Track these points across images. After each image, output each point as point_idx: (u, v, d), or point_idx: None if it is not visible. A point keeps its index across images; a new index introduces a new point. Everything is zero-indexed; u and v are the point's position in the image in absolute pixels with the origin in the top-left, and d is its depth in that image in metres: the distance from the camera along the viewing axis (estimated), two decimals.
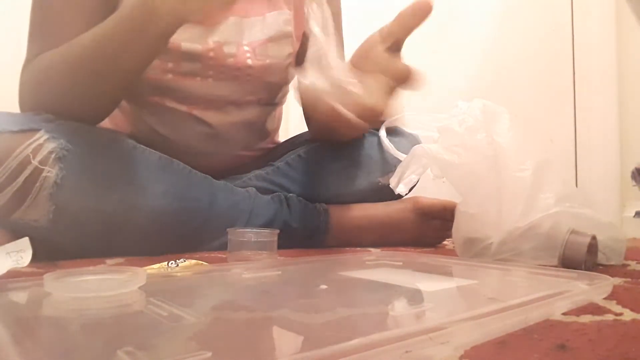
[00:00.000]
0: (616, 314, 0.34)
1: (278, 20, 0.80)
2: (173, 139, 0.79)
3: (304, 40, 0.86)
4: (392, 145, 0.80)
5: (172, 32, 0.60)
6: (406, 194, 0.67)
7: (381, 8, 1.61)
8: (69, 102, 0.63)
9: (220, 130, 0.81)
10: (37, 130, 0.58)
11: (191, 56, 0.74)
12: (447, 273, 0.52)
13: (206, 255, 0.65)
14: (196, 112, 0.78)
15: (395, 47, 0.61)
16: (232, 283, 0.46)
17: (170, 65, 0.73)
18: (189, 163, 0.73)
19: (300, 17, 0.84)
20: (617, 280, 0.47)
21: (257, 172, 0.84)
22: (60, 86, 0.63)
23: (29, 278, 0.40)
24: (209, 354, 0.22)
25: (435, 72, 1.57)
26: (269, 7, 0.79)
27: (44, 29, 0.67)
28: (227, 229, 0.62)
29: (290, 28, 0.81)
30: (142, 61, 0.64)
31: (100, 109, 0.67)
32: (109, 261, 0.60)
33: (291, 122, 1.30)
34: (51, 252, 0.58)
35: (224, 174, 0.81)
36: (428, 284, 0.46)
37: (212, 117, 0.79)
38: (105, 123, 0.82)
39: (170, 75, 0.74)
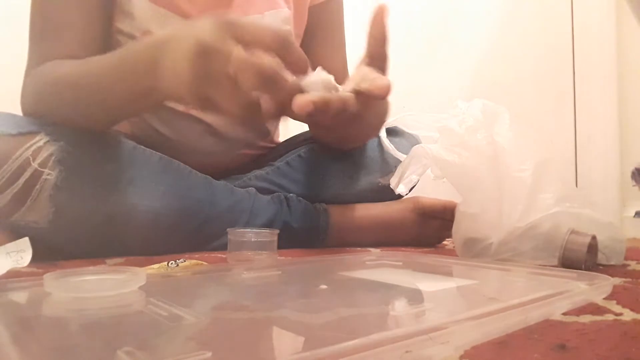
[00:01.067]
0: (616, 314, 0.34)
1: (277, 18, 0.79)
2: (173, 138, 0.78)
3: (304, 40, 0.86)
4: (392, 146, 0.80)
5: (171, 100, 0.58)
6: (406, 194, 0.67)
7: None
8: (72, 120, 0.62)
9: (219, 129, 0.81)
10: (37, 133, 0.58)
11: None
12: (447, 273, 0.52)
13: (206, 255, 0.65)
14: (194, 111, 0.78)
15: (378, 63, 0.55)
16: (232, 283, 0.46)
17: None
18: (189, 162, 0.73)
19: (300, 15, 0.83)
20: (617, 280, 0.47)
21: (257, 172, 0.84)
22: (64, 108, 0.62)
23: (29, 278, 0.40)
24: (209, 354, 0.22)
25: (435, 72, 1.58)
26: (268, 5, 0.79)
27: (44, 32, 0.67)
28: (227, 229, 0.62)
29: (289, 27, 0.81)
30: (136, 108, 0.63)
31: (104, 126, 0.66)
32: (109, 261, 0.60)
33: (291, 122, 1.29)
34: (51, 252, 0.58)
35: (224, 173, 0.81)
36: (428, 284, 0.46)
37: (209, 116, 0.79)
38: None
39: None
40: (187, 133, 0.79)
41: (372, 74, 0.52)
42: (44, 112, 0.62)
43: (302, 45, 0.85)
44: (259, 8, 0.78)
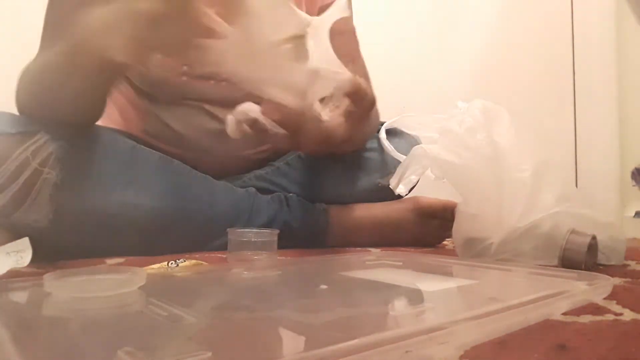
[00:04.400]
0: (616, 314, 0.34)
1: None
2: (184, 133, 0.79)
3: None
4: (392, 147, 0.80)
5: (108, 74, 0.55)
6: (406, 195, 0.67)
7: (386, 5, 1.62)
8: (46, 110, 0.61)
9: None
10: (37, 132, 0.58)
11: None
12: (447, 273, 0.52)
13: (206, 255, 0.65)
14: (208, 106, 0.78)
15: None
16: (232, 283, 0.46)
17: (185, 68, 0.74)
18: (197, 160, 0.73)
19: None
20: (617, 280, 0.47)
21: (257, 172, 0.84)
22: (34, 96, 0.61)
23: (29, 278, 0.40)
24: (209, 354, 0.22)
25: (435, 72, 1.58)
26: None
27: (54, 32, 0.67)
28: (227, 229, 0.62)
29: None
30: (84, 95, 0.59)
31: (78, 119, 0.63)
32: (109, 261, 0.60)
33: None
34: (51, 252, 0.58)
35: (224, 173, 0.81)
36: (428, 284, 0.46)
37: (224, 112, 0.79)
38: (117, 117, 0.82)
39: (185, 78, 0.75)
40: (199, 129, 0.79)
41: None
42: (27, 103, 0.62)
43: None
44: None
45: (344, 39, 0.85)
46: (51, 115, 0.60)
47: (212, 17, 0.44)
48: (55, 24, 0.66)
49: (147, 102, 0.78)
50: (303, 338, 0.28)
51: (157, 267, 0.50)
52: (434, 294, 0.41)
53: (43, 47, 0.66)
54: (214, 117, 0.79)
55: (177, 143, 0.77)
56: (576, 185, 1.41)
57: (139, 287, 0.35)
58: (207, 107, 0.78)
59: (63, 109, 0.60)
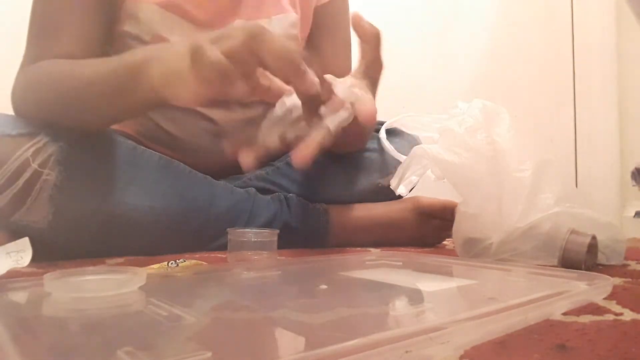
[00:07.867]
0: (616, 314, 0.34)
1: (284, 23, 0.80)
2: (178, 135, 0.79)
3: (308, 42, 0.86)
4: (392, 147, 0.80)
5: (154, 105, 0.59)
6: (406, 195, 0.67)
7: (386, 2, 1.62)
8: (60, 117, 0.61)
9: (224, 127, 0.81)
10: (37, 133, 0.58)
11: None
12: (447, 273, 0.52)
13: (206, 255, 0.65)
14: (200, 108, 0.78)
15: (372, 72, 0.60)
16: (232, 283, 0.46)
17: None
18: (192, 161, 0.73)
19: (305, 20, 0.84)
20: (617, 280, 0.47)
21: (257, 172, 0.84)
22: (51, 106, 0.61)
23: (29, 278, 0.40)
24: (209, 354, 0.22)
25: (435, 72, 1.58)
26: (276, 10, 0.80)
27: (42, 31, 0.67)
28: (227, 229, 0.62)
29: (295, 31, 0.82)
30: (119, 116, 0.62)
31: (95, 127, 0.64)
32: (109, 261, 0.60)
33: None
34: (51, 252, 0.58)
35: (224, 173, 0.81)
36: (428, 284, 0.46)
37: (216, 113, 0.79)
38: None
39: None
40: (192, 130, 0.79)
41: (356, 90, 0.54)
42: (32, 106, 0.62)
43: (307, 46, 0.85)
44: (266, 13, 0.79)
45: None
46: (57, 120, 0.60)
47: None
48: (45, 23, 0.66)
49: None
50: (303, 338, 0.28)
51: (157, 267, 0.50)
52: (434, 294, 0.41)
53: (32, 46, 0.67)
54: (207, 118, 0.79)
55: (171, 145, 0.77)
56: (576, 185, 1.41)
57: (139, 287, 0.35)
58: (199, 109, 0.78)
59: (82, 117, 0.61)
